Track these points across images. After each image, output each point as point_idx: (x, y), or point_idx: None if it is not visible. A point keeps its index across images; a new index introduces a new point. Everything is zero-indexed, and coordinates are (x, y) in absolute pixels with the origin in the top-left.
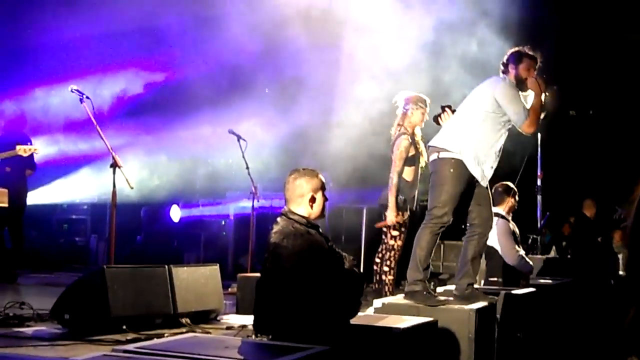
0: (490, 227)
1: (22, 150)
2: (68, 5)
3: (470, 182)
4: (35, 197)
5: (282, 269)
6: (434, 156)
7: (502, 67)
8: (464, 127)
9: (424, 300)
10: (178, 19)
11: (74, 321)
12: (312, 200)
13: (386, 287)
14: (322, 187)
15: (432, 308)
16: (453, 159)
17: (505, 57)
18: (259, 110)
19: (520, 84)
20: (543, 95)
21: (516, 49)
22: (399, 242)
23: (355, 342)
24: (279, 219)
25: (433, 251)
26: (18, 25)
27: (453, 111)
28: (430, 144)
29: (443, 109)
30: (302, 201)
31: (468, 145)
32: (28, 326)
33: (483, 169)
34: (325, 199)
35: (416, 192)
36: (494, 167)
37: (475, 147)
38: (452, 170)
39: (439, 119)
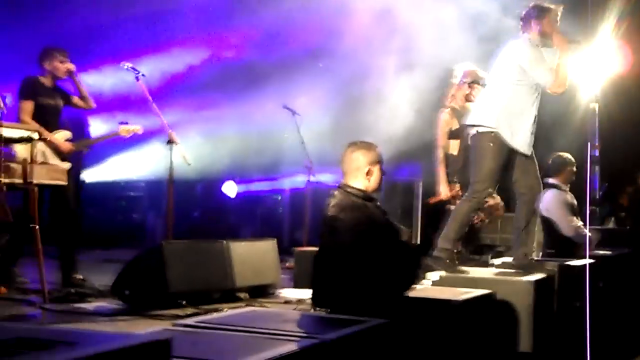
0: (538, 194)
1: (124, 131)
2: None
3: (511, 154)
4: (93, 174)
5: (339, 242)
6: (472, 132)
7: (521, 23)
8: (496, 99)
9: (445, 267)
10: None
11: (133, 296)
12: (369, 173)
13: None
14: (379, 161)
15: (490, 280)
16: (491, 132)
17: (525, 12)
18: (314, 85)
19: (545, 40)
20: (568, 51)
21: (536, 2)
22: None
23: (412, 314)
24: (335, 192)
25: (467, 224)
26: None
27: (482, 86)
28: (466, 122)
29: (470, 85)
30: (359, 174)
31: (503, 118)
32: (89, 302)
33: (523, 138)
34: (383, 172)
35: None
36: (534, 132)
37: (510, 118)
38: (491, 144)
39: (470, 96)
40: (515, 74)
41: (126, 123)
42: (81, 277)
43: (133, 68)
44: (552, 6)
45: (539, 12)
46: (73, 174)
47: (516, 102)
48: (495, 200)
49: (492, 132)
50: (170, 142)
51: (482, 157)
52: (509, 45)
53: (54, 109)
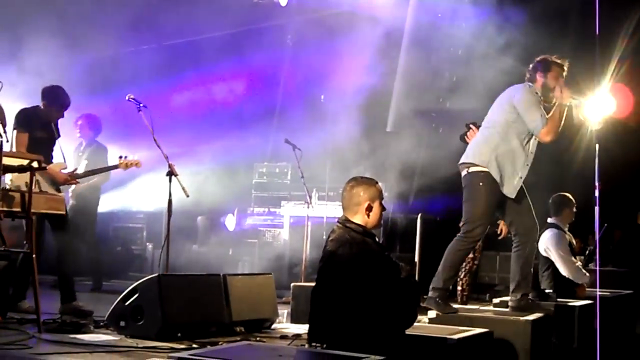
0: (536, 235)
1: (123, 164)
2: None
3: (503, 194)
4: None
5: (337, 278)
6: (464, 172)
7: (527, 75)
8: (488, 139)
9: (437, 307)
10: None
11: (129, 328)
12: (369, 209)
13: (457, 297)
14: (380, 197)
15: (487, 319)
16: (482, 172)
17: (532, 65)
18: (314, 119)
19: (547, 93)
20: (567, 104)
21: (544, 56)
22: (470, 255)
23: (409, 352)
24: (335, 227)
25: (460, 263)
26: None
27: (478, 127)
28: (460, 161)
29: (468, 126)
30: (359, 210)
31: (493, 158)
32: (84, 332)
33: (509, 181)
34: (383, 208)
35: None
36: (523, 176)
37: (500, 159)
38: (481, 183)
39: (465, 137)
40: (509, 114)
41: (125, 157)
42: (81, 304)
43: (135, 99)
44: (559, 61)
45: (544, 66)
46: (92, 207)
47: (507, 144)
48: None
49: (482, 171)
50: (170, 173)
51: (473, 197)
52: (510, 88)
53: (48, 141)
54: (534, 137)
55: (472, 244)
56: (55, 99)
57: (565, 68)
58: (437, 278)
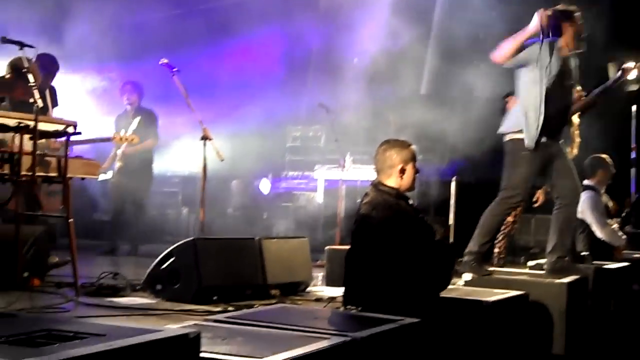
0: (578, 198)
1: (118, 139)
2: None
3: (546, 159)
4: None
5: (370, 240)
6: (505, 139)
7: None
8: (519, 105)
9: (472, 269)
10: None
11: (165, 291)
12: (402, 171)
13: (494, 260)
14: (413, 159)
15: (523, 282)
16: (522, 138)
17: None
18: (347, 82)
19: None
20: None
21: (561, 7)
22: (510, 218)
23: (444, 314)
24: (368, 190)
25: (496, 228)
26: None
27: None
28: (499, 130)
29: (505, 98)
30: (392, 172)
31: (522, 115)
32: (121, 296)
33: (529, 131)
34: (416, 171)
35: None
36: (539, 127)
37: (528, 110)
38: (522, 152)
39: (506, 107)
40: (532, 70)
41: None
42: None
43: (168, 64)
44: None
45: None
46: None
47: (528, 99)
48: None
49: (522, 138)
50: (204, 138)
51: (513, 164)
52: None
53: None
54: (547, 80)
55: (509, 209)
56: (50, 66)
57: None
58: (472, 242)
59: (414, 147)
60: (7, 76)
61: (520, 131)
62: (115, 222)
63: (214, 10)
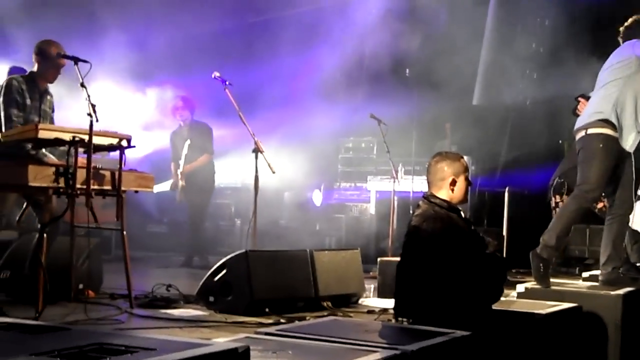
0: (631, 209)
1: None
2: None
3: (619, 157)
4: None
5: (422, 252)
6: (581, 134)
7: (627, 32)
8: (607, 96)
9: (537, 274)
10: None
11: (218, 303)
12: (453, 183)
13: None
14: (464, 171)
15: (577, 293)
16: (601, 133)
17: (630, 23)
18: (399, 93)
19: None
20: None
21: None
22: None
23: (496, 327)
24: (420, 202)
25: (572, 225)
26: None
27: (587, 99)
28: (576, 126)
29: (577, 99)
30: (444, 185)
31: (613, 111)
32: (174, 308)
33: (630, 133)
34: (468, 183)
35: None
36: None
37: (620, 111)
38: (601, 145)
39: (576, 110)
40: (628, 69)
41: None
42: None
43: (221, 78)
44: None
45: None
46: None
47: (626, 98)
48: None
49: (602, 133)
50: (256, 150)
51: (590, 158)
52: (623, 46)
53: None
54: None
55: (587, 205)
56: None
57: None
58: (549, 234)
59: (465, 159)
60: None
61: (598, 126)
62: (192, 237)
63: (264, 23)
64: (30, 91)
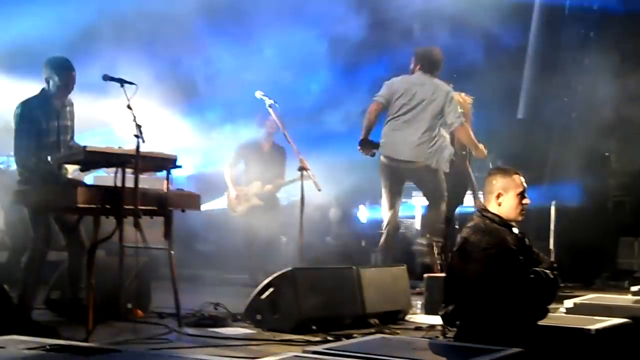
0: None
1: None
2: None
3: None
4: (223, 200)
5: (468, 265)
6: None
7: None
8: None
9: None
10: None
11: (265, 321)
12: (499, 197)
13: None
14: (515, 187)
15: (627, 308)
16: None
17: None
18: None
19: None
20: None
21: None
22: None
23: (546, 343)
24: (474, 216)
25: None
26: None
27: None
28: None
29: None
30: (491, 198)
31: None
32: (222, 326)
33: None
34: (521, 200)
35: None
36: None
37: None
38: None
39: None
40: None
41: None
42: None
43: (266, 96)
44: None
45: None
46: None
47: None
48: None
49: None
50: (301, 168)
51: None
52: None
53: None
54: None
55: None
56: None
57: None
58: None
59: (518, 176)
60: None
61: None
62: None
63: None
64: (45, 113)
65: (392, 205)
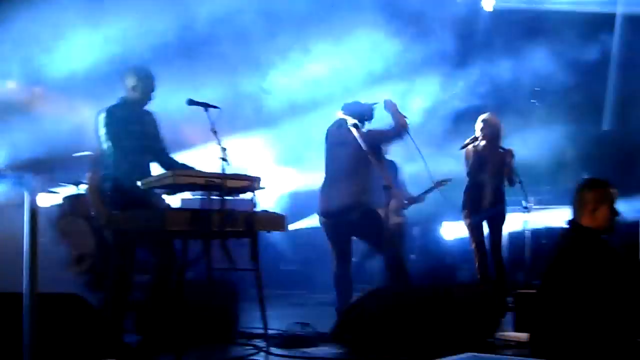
0: None
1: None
2: None
3: None
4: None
5: (563, 282)
6: None
7: None
8: None
9: None
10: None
11: (355, 341)
12: (594, 211)
13: None
14: (607, 199)
15: None
16: None
17: None
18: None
19: None
20: None
21: None
22: None
23: None
24: (565, 231)
25: None
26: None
27: None
28: None
29: None
30: (585, 212)
31: None
32: (310, 346)
33: None
34: (613, 212)
35: None
36: None
37: None
38: None
39: None
40: None
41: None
42: None
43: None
44: None
45: None
46: None
47: None
48: None
49: None
50: (387, 187)
51: None
52: None
53: None
54: None
55: None
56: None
57: None
58: None
59: (611, 188)
60: None
61: None
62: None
63: None
64: (128, 119)
65: None
